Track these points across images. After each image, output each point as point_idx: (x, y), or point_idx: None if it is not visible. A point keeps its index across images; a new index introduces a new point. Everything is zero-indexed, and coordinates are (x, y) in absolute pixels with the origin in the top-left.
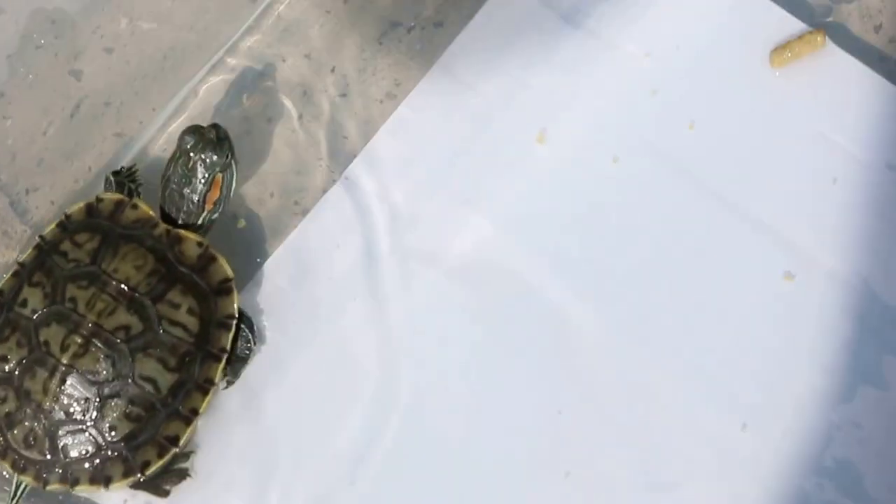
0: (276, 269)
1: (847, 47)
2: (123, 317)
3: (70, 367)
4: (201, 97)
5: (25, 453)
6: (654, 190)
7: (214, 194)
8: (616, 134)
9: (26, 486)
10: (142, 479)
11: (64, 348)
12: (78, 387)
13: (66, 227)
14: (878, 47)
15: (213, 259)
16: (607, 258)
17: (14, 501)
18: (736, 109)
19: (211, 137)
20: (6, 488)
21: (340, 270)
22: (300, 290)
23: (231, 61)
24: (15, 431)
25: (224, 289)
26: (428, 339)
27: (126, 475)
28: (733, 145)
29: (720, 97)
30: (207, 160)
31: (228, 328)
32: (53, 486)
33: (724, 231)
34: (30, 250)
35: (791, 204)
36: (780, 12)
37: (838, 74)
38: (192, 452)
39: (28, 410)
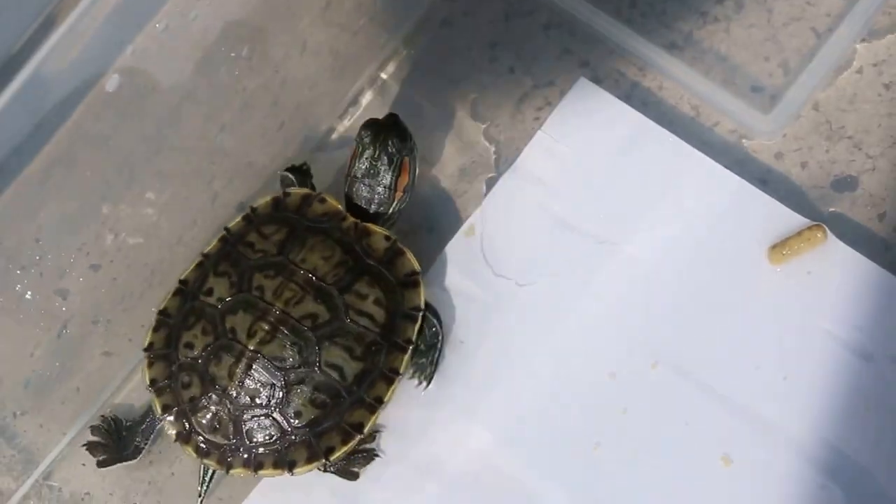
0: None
1: (850, 238)
2: (311, 306)
3: (257, 354)
4: None
5: (210, 437)
6: (660, 407)
7: (404, 180)
8: (614, 346)
9: (214, 472)
10: (327, 465)
11: (251, 335)
12: (264, 372)
13: (252, 220)
14: (882, 236)
15: (400, 253)
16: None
17: (204, 487)
18: (735, 305)
19: (388, 124)
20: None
21: None
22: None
23: None
24: (199, 416)
25: (411, 281)
26: None
27: (310, 460)
28: (739, 345)
29: (719, 293)
30: (392, 147)
31: (414, 320)
32: (237, 471)
33: (728, 433)
34: (214, 242)
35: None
36: (779, 207)
37: (841, 268)
38: (377, 433)
39: (213, 396)
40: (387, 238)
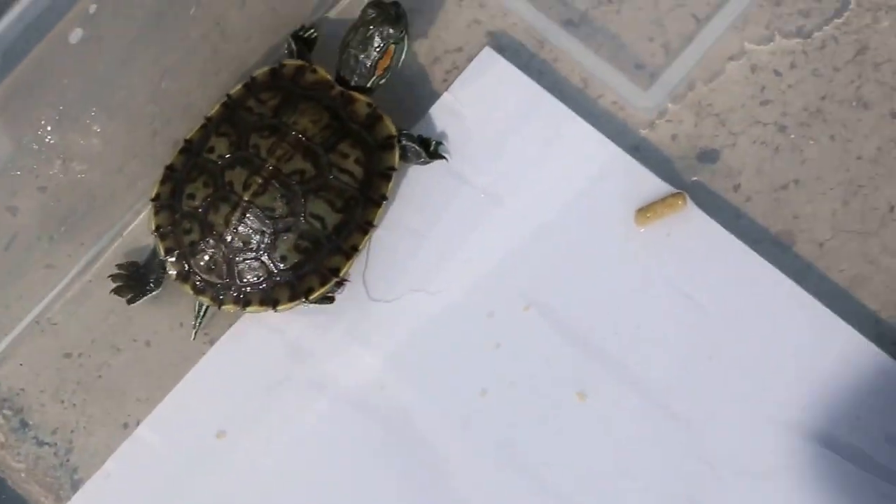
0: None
1: (708, 205)
2: (299, 163)
3: (250, 204)
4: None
5: (206, 276)
6: (526, 340)
7: (385, 62)
8: (494, 287)
9: (206, 307)
10: (306, 302)
11: (246, 187)
12: (256, 220)
13: (251, 87)
14: (735, 205)
15: (379, 118)
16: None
17: (198, 321)
18: (604, 263)
19: (391, 13)
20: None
21: None
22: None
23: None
24: (197, 258)
25: (388, 144)
26: None
27: (291, 299)
28: (603, 295)
29: (589, 246)
30: (384, 32)
31: (388, 178)
32: (227, 306)
33: (593, 380)
34: (217, 106)
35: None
36: (648, 174)
37: (696, 233)
38: (347, 281)
39: (210, 240)
40: (368, 105)
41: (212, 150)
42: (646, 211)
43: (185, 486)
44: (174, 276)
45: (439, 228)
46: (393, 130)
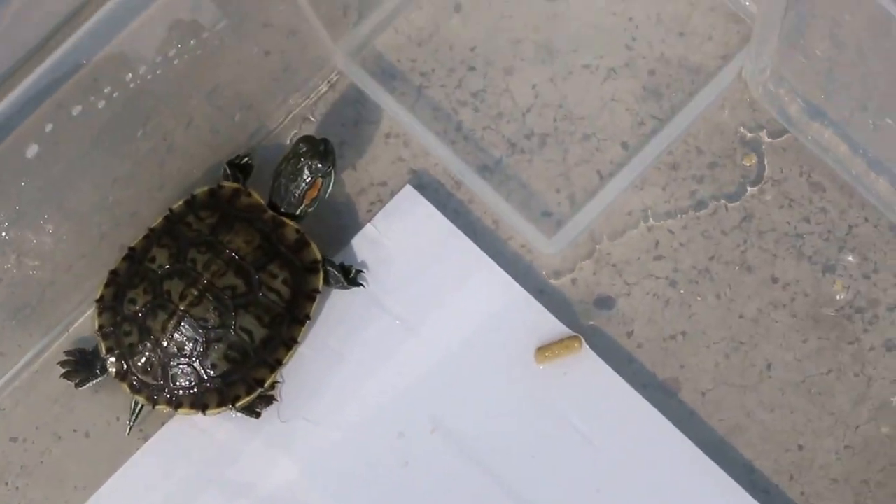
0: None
1: (602, 348)
2: (232, 279)
3: (185, 313)
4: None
5: (142, 377)
6: (432, 460)
7: (313, 193)
8: (404, 410)
9: (142, 406)
10: (232, 409)
11: (182, 297)
12: (190, 329)
13: (191, 204)
14: (627, 350)
15: (307, 244)
16: None
17: (133, 417)
18: (505, 394)
19: (320, 149)
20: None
21: None
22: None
23: None
24: (135, 359)
25: (313, 268)
26: None
27: (220, 405)
28: (503, 423)
29: (491, 378)
30: (313, 165)
31: (313, 299)
32: (161, 406)
33: (492, 500)
34: (159, 219)
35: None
36: (549, 315)
37: (589, 373)
38: (279, 383)
39: (148, 344)
40: (297, 231)
41: (153, 259)
42: (545, 350)
43: None
44: (113, 374)
45: (356, 350)
46: (318, 256)
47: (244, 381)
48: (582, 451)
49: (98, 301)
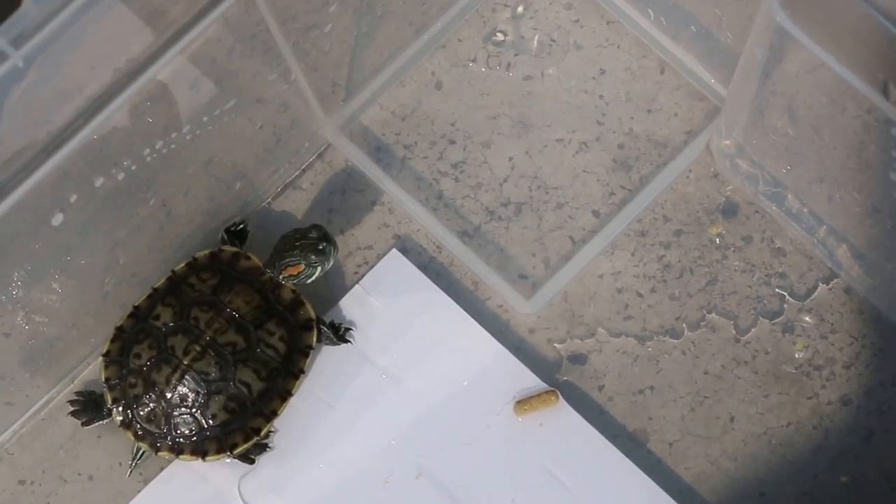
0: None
1: (576, 401)
2: (232, 336)
3: (189, 367)
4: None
5: (146, 426)
6: (415, 501)
7: (293, 271)
8: (391, 457)
9: (144, 452)
10: (230, 455)
11: (186, 353)
12: (192, 382)
13: (194, 266)
14: (599, 403)
15: (301, 303)
16: None
17: (135, 462)
18: (486, 443)
19: (319, 247)
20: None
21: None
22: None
23: None
24: (140, 409)
25: (308, 326)
26: None
27: (218, 452)
28: (484, 471)
29: (472, 429)
30: (305, 252)
31: (307, 355)
32: (163, 453)
33: None
34: (163, 280)
35: None
36: (526, 371)
37: (565, 425)
38: (274, 432)
39: (152, 395)
40: (293, 292)
41: (157, 317)
42: (523, 403)
43: None
44: (118, 423)
45: (345, 401)
46: (313, 314)
47: (242, 429)
48: (559, 497)
49: (104, 355)
